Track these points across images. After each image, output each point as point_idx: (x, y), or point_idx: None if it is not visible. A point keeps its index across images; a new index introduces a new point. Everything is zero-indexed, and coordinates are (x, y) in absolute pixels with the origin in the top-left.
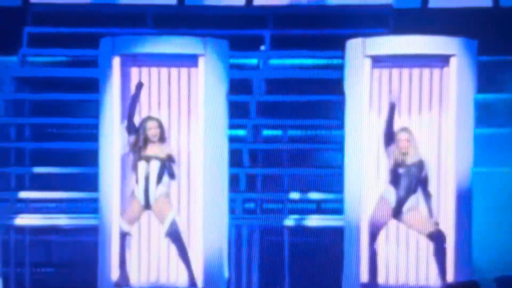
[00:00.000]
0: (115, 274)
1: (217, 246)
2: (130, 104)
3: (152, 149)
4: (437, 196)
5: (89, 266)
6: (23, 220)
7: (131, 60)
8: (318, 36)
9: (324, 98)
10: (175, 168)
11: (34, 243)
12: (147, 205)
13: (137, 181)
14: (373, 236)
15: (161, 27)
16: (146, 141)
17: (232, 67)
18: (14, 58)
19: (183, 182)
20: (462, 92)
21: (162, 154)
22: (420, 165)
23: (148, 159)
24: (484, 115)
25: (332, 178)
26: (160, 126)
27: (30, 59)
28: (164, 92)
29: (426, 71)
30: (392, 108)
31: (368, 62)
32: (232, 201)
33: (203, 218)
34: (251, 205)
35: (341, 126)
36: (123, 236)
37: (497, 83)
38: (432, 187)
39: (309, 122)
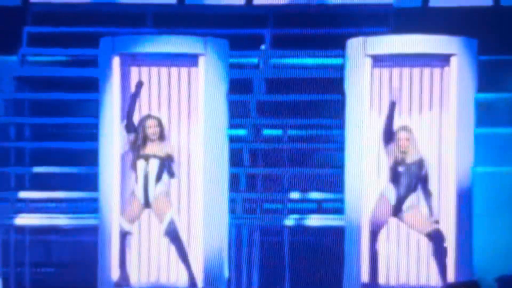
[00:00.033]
0: (115, 274)
1: (217, 246)
2: (130, 102)
3: (151, 148)
4: (437, 196)
5: (89, 266)
6: (23, 220)
7: (131, 59)
8: (318, 35)
9: (325, 98)
10: (174, 167)
11: (34, 243)
12: (146, 204)
13: (136, 180)
14: (373, 235)
15: (161, 27)
16: (146, 139)
17: (232, 66)
18: (14, 58)
19: (183, 182)
20: (463, 92)
21: (161, 153)
22: (420, 163)
23: (147, 158)
24: (485, 114)
25: (332, 178)
26: (160, 124)
27: (30, 58)
28: (164, 91)
29: (426, 71)
30: (392, 106)
31: (368, 62)
32: (232, 201)
33: (203, 218)
34: (251, 205)
35: (341, 126)
36: (124, 235)
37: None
38: (432, 187)
39: (310, 121)
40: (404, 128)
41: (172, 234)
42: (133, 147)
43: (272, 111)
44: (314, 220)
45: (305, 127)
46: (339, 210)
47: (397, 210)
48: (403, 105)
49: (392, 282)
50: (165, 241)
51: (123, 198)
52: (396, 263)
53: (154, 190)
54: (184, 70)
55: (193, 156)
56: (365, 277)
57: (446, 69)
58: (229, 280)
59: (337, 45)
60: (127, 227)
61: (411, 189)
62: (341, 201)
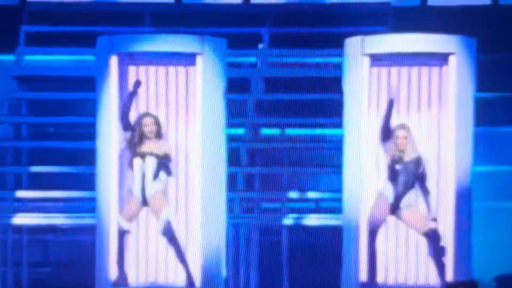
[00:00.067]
0: (113, 274)
1: (215, 246)
2: (126, 100)
3: (148, 146)
4: (436, 195)
5: (87, 265)
6: (21, 219)
7: (129, 58)
8: (316, 34)
9: (323, 97)
10: (171, 165)
11: (31, 242)
12: (144, 202)
13: (133, 178)
14: (372, 234)
15: (159, 26)
16: (142, 137)
17: (230, 65)
18: (11, 57)
19: (181, 181)
20: (462, 91)
21: (158, 151)
22: (417, 161)
23: (144, 156)
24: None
25: (330, 177)
26: (157, 122)
27: (27, 57)
28: (161, 91)
29: (425, 70)
30: (390, 104)
31: (367, 61)
32: (230, 200)
33: (201, 218)
34: (249, 204)
35: (340, 125)
36: (122, 234)
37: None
38: (431, 186)
39: (308, 120)
40: (402, 127)
41: (168, 235)
42: (130, 145)
43: (270, 110)
44: (312, 220)
45: (303, 126)
46: (337, 210)
47: (395, 208)
48: (401, 104)
49: (391, 281)
50: (163, 240)
51: (121, 197)
52: (395, 262)
53: (151, 188)
54: (181, 69)
55: (191, 156)
56: (363, 276)
57: (444, 68)
58: (227, 279)
59: (336, 44)
60: (125, 225)
61: (408, 187)
62: (339, 200)
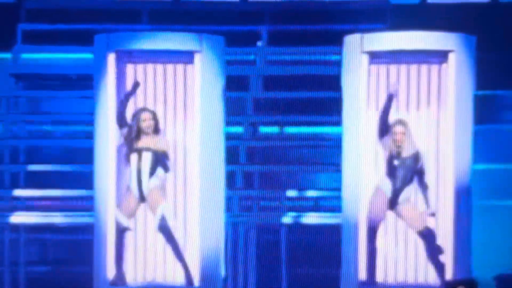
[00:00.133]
0: (111, 273)
1: (214, 244)
2: (123, 100)
3: (145, 141)
4: (436, 193)
5: (84, 264)
6: (18, 218)
7: (126, 56)
8: (315, 32)
9: (322, 95)
10: (168, 161)
11: (29, 241)
12: (141, 198)
13: (130, 174)
14: (371, 231)
15: (157, 23)
16: (140, 132)
17: (229, 63)
18: (8, 55)
19: (179, 180)
20: (461, 88)
21: (156, 146)
22: (415, 157)
23: (141, 151)
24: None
25: (329, 175)
26: (154, 117)
27: (25, 55)
28: (159, 89)
29: (424, 67)
30: (389, 99)
31: (365, 58)
32: (228, 198)
33: (199, 216)
34: (248, 203)
35: (338, 123)
36: (122, 232)
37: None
38: (431, 185)
39: (306, 118)
40: (400, 122)
41: (164, 231)
42: (127, 141)
43: (268, 108)
44: (311, 218)
45: (302, 124)
46: (336, 208)
47: (393, 203)
48: (400, 101)
49: (390, 280)
50: (161, 238)
51: (119, 195)
52: (394, 261)
53: (148, 184)
54: (180, 67)
55: (189, 154)
56: (362, 275)
57: (444, 65)
58: (225, 278)
59: (334, 41)
60: (125, 222)
61: (407, 182)
62: (338, 199)
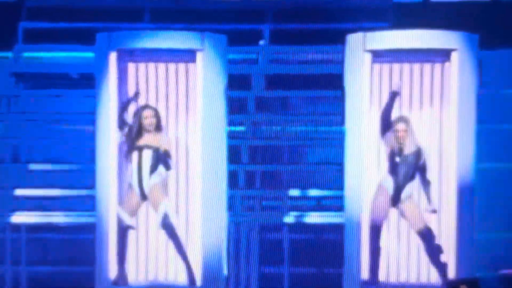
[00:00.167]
0: (113, 273)
1: (216, 244)
2: (122, 107)
3: (147, 139)
4: (439, 192)
5: (86, 264)
6: (19, 217)
7: (128, 55)
8: (317, 31)
9: (324, 94)
10: (170, 159)
11: (30, 241)
12: (142, 195)
13: (132, 171)
14: (374, 229)
15: (159, 22)
16: (142, 130)
17: (231, 62)
18: (9, 54)
19: (181, 179)
20: (464, 87)
21: (157, 144)
22: (417, 153)
23: (142, 149)
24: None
25: (332, 174)
26: (156, 115)
27: (26, 54)
28: (161, 88)
29: (427, 66)
30: (393, 96)
31: (368, 57)
32: (230, 198)
33: (202, 216)
34: (250, 202)
35: (341, 122)
36: (125, 230)
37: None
38: (433, 183)
39: (309, 117)
40: (402, 119)
41: (167, 229)
42: (129, 138)
43: (271, 107)
44: (313, 217)
45: (304, 123)
46: (338, 207)
47: (395, 200)
48: (403, 100)
49: (392, 279)
50: (163, 238)
51: (121, 194)
52: (397, 260)
53: (149, 181)
54: (181, 66)
55: (191, 153)
56: (365, 274)
57: (446, 64)
58: (228, 277)
59: (337, 40)
60: (128, 220)
61: (409, 178)
62: (341, 198)
